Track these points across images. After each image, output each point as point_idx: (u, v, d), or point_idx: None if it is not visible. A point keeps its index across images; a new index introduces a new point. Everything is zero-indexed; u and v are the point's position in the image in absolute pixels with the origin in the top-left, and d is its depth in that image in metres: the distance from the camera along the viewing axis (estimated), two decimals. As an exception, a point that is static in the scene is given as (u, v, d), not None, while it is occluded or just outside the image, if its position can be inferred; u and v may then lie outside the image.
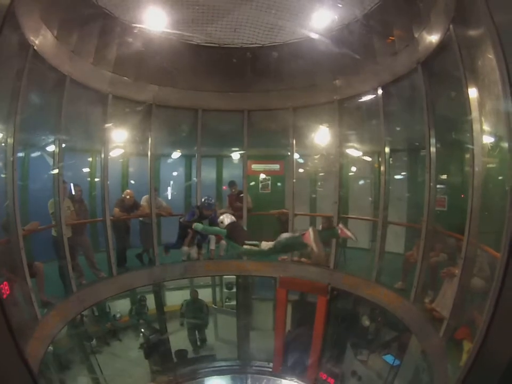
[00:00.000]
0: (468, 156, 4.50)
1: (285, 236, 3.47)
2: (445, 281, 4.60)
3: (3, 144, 4.27)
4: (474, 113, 4.02)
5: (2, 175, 4.31)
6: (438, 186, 5.29)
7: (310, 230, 3.11)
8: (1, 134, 4.30)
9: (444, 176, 5.59)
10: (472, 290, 4.11)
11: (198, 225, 4.30)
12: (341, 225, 3.56)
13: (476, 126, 4.01)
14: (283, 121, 6.57)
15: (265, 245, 3.59)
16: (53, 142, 5.19)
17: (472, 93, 4.02)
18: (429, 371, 4.41)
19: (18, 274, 4.25)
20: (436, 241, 5.10)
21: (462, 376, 1.61)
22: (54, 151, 5.16)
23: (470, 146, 4.23)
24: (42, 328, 4.32)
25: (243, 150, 6.77)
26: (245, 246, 3.75)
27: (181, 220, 5.89)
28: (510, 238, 1.54)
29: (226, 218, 4.03)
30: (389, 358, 5.57)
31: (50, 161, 5.34)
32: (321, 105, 6.45)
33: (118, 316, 7.32)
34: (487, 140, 4.06)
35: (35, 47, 4.29)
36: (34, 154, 6.25)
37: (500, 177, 3.95)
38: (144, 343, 6.66)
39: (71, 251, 5.19)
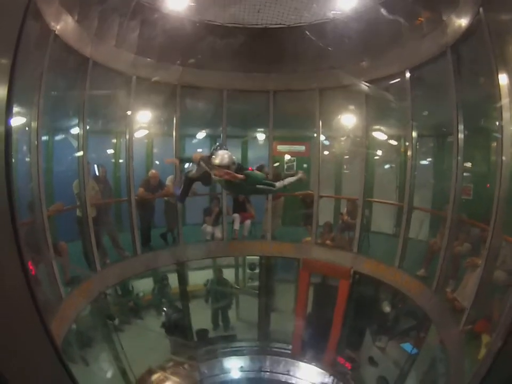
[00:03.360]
0: (495, 144, 4.37)
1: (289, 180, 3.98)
2: (468, 272, 4.52)
3: (27, 128, 4.37)
4: (505, 100, 3.85)
5: (27, 159, 4.41)
6: (464, 174, 5.17)
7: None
8: (26, 118, 4.38)
9: (471, 164, 5.43)
10: (495, 283, 4.03)
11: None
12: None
13: (505, 114, 3.87)
14: (309, 103, 6.46)
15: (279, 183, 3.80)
16: (77, 125, 5.25)
17: (503, 79, 3.86)
18: (446, 362, 4.36)
19: (43, 254, 4.36)
20: (460, 230, 5.00)
21: (483, 373, 1.56)
22: (78, 133, 5.23)
23: (498, 135, 4.12)
24: (66, 307, 4.44)
25: (269, 131, 6.70)
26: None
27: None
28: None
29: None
30: (407, 347, 5.53)
31: (75, 143, 5.43)
32: (347, 87, 6.31)
33: (140, 294, 7.48)
34: None
35: (56, 32, 4.30)
36: (58, 137, 6.36)
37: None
38: (166, 322, 6.79)
39: (95, 231, 5.28)
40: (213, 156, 3.40)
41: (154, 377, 6.17)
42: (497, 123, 4.05)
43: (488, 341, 3.53)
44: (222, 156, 3.37)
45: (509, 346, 1.39)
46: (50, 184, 5.66)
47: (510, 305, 2.95)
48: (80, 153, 5.24)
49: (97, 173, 6.00)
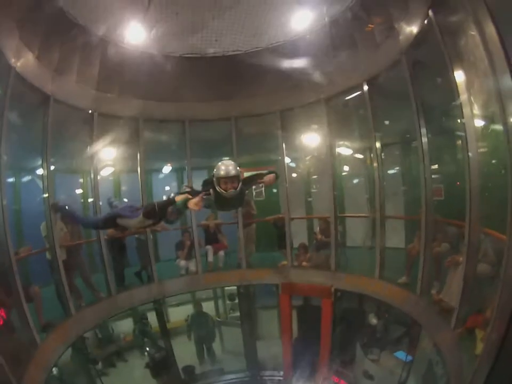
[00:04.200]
0: (460, 142, 4.45)
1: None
2: (450, 271, 4.53)
3: None
4: (463, 96, 3.97)
5: None
6: (433, 176, 5.26)
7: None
8: None
9: (438, 165, 5.52)
10: (480, 277, 4.05)
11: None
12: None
13: (466, 110, 3.97)
14: (271, 126, 6.51)
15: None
16: (41, 165, 5.09)
17: (459, 75, 3.99)
18: (443, 363, 4.31)
19: (15, 299, 4.15)
20: (437, 231, 5.04)
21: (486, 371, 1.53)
22: (42, 174, 5.07)
23: (461, 132, 4.16)
24: (43, 353, 4.22)
25: (233, 158, 6.47)
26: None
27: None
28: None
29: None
30: (401, 354, 5.48)
31: (41, 184, 5.24)
32: (308, 106, 6.38)
33: (121, 335, 7.19)
34: (479, 123, 4.03)
35: (17, 69, 4.22)
36: (25, 178, 6.21)
37: (494, 161, 3.94)
38: (150, 362, 6.52)
39: (67, 273, 5.08)
40: (215, 171, 2.99)
41: None
42: (459, 120, 4.11)
43: (483, 335, 3.47)
44: (226, 167, 2.96)
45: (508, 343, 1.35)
46: (19, 226, 5.54)
47: (499, 297, 2.93)
48: (46, 194, 5.06)
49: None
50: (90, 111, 5.67)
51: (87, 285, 5.63)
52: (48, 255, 5.11)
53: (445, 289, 4.56)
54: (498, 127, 3.23)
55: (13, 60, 4.18)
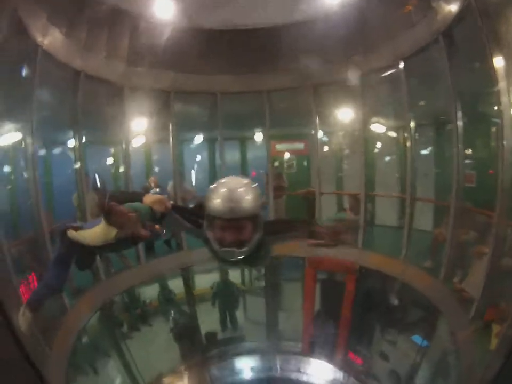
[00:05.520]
0: (495, 130, 4.33)
1: None
2: (475, 260, 4.49)
3: (23, 144, 4.49)
4: (501, 84, 3.87)
5: (25, 175, 4.56)
6: (465, 161, 5.13)
7: None
8: (21, 134, 4.49)
9: (472, 151, 5.39)
10: (503, 270, 4.00)
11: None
12: None
13: (503, 98, 3.88)
14: (304, 100, 6.44)
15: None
16: (73, 137, 5.32)
17: (498, 62, 3.87)
18: (457, 354, 4.36)
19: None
20: (465, 218, 4.96)
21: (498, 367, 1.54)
22: (74, 146, 5.32)
23: (497, 119, 4.10)
24: (72, 318, 4.50)
25: (265, 130, 6.69)
26: None
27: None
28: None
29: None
30: (417, 339, 5.51)
31: (72, 156, 5.50)
32: (342, 81, 6.25)
33: (147, 301, 7.50)
34: None
35: (44, 47, 4.37)
36: (56, 151, 6.33)
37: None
38: (174, 327, 6.81)
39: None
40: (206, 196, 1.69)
41: (165, 382, 6.21)
42: (495, 107, 4.03)
43: (499, 330, 3.49)
44: (229, 194, 1.61)
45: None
46: (51, 199, 5.67)
47: None
48: (77, 165, 5.31)
49: (97, 183, 6.04)
50: (120, 85, 5.75)
51: (118, 255, 5.85)
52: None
53: (468, 278, 4.55)
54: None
55: (40, 39, 4.29)
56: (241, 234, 1.59)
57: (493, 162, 4.34)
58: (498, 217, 3.99)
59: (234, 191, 1.60)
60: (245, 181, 1.69)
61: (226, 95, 6.56)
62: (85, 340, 5.24)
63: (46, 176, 5.85)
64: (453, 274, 4.90)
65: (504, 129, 3.95)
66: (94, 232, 2.27)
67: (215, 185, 1.67)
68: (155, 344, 6.75)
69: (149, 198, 2.00)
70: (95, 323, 5.64)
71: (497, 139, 4.27)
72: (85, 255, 2.51)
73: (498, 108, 3.98)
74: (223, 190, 1.60)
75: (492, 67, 3.88)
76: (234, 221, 1.57)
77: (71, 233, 2.33)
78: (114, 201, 2.13)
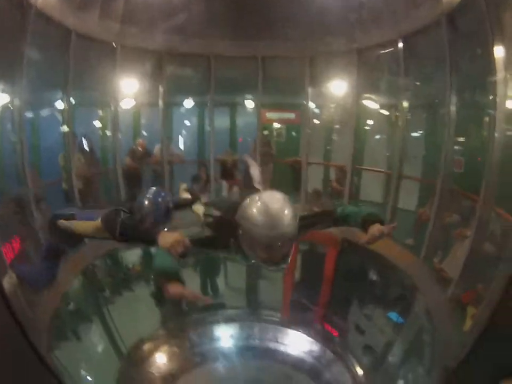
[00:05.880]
0: (488, 119, 4.33)
1: None
2: (456, 243, 4.57)
3: (10, 106, 4.41)
4: (500, 74, 3.86)
5: (13, 139, 4.51)
6: (456, 147, 5.13)
7: None
8: (9, 95, 4.37)
9: (463, 138, 5.39)
10: (483, 255, 4.06)
11: None
12: None
13: (500, 88, 3.87)
14: (299, 70, 6.37)
15: None
16: (62, 99, 5.26)
17: (499, 51, 3.84)
18: (432, 332, 4.47)
19: (30, 230, 4.45)
20: (451, 201, 5.03)
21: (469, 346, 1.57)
22: (63, 108, 5.27)
23: (491, 110, 4.10)
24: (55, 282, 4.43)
25: (257, 97, 6.62)
26: None
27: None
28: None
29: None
30: (394, 315, 5.61)
31: (60, 117, 5.42)
32: (339, 54, 6.22)
33: (130, 265, 7.50)
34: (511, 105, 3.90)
35: (37, 5, 4.24)
36: (44, 113, 6.24)
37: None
38: (155, 292, 6.84)
39: (82, 204, 5.31)
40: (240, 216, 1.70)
41: (146, 347, 6.27)
42: (491, 97, 4.03)
43: (474, 313, 3.59)
44: (271, 220, 1.60)
45: (496, 319, 1.40)
46: (38, 160, 5.55)
47: (497, 279, 3.00)
48: (65, 126, 5.31)
49: (84, 145, 5.95)
50: (113, 44, 5.63)
51: None
52: (64, 185, 5.35)
53: (448, 259, 4.63)
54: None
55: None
56: (284, 250, 1.65)
57: (483, 151, 4.36)
58: (483, 202, 4.06)
59: (276, 216, 1.59)
60: (281, 196, 1.70)
61: (220, 59, 6.43)
62: (68, 304, 5.28)
63: (33, 139, 5.69)
64: (434, 254, 5.00)
65: (497, 119, 3.96)
66: (88, 226, 2.23)
67: (249, 203, 1.65)
68: (136, 310, 6.79)
69: (164, 240, 1.75)
70: (77, 288, 5.63)
71: (489, 129, 4.27)
72: (75, 237, 2.51)
73: (493, 98, 3.97)
74: (263, 216, 1.58)
75: (492, 56, 3.86)
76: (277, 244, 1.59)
77: (62, 223, 2.34)
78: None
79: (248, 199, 1.70)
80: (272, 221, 1.58)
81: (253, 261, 1.81)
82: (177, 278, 2.09)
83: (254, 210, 1.63)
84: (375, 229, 1.93)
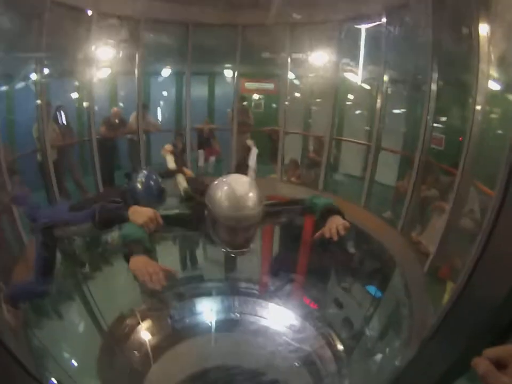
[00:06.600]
0: (470, 99, 4.31)
1: None
2: (434, 216, 4.60)
3: None
4: (483, 52, 3.82)
5: None
6: (436, 124, 5.14)
7: None
8: None
9: (443, 116, 5.39)
10: (461, 230, 4.10)
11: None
12: None
13: (482, 68, 3.83)
14: (279, 39, 6.24)
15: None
16: (35, 70, 5.05)
17: (483, 29, 3.79)
18: (410, 306, 4.49)
19: (4, 203, 4.34)
20: (429, 175, 5.06)
21: (442, 317, 1.57)
22: (37, 79, 5.08)
23: (472, 89, 4.03)
24: (30, 253, 4.17)
25: (235, 66, 6.47)
26: None
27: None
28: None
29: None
30: (371, 289, 5.61)
31: (34, 88, 5.17)
32: (321, 24, 6.11)
33: (109, 239, 7.40)
34: (493, 86, 3.91)
35: None
36: (18, 86, 6.02)
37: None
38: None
39: (57, 175, 5.18)
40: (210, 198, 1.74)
41: (126, 322, 6.24)
42: (472, 76, 3.98)
43: (452, 287, 3.64)
44: (236, 201, 1.69)
45: (469, 291, 1.39)
46: (13, 134, 5.36)
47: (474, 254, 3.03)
48: (39, 97, 5.12)
49: (58, 116, 5.77)
50: (88, 11, 5.40)
51: (78, 187, 5.72)
52: (39, 157, 5.16)
53: (425, 232, 4.68)
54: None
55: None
56: (248, 234, 1.75)
57: (463, 129, 4.33)
58: (461, 175, 4.07)
59: (240, 199, 1.64)
60: (249, 182, 1.73)
61: (198, 26, 6.26)
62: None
63: (7, 112, 5.47)
64: (412, 227, 5.04)
65: (478, 98, 3.91)
66: (81, 229, 2.31)
67: (216, 185, 1.69)
68: (116, 284, 6.74)
69: (136, 216, 1.80)
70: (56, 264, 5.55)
71: (470, 107, 4.26)
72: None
73: (475, 76, 3.91)
74: (228, 198, 1.63)
75: (476, 33, 3.80)
76: (242, 226, 1.66)
77: (57, 232, 2.42)
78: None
79: (216, 181, 1.76)
80: (236, 203, 1.64)
81: (217, 245, 1.86)
82: (145, 247, 1.93)
83: (220, 192, 1.68)
84: (335, 220, 2.01)
